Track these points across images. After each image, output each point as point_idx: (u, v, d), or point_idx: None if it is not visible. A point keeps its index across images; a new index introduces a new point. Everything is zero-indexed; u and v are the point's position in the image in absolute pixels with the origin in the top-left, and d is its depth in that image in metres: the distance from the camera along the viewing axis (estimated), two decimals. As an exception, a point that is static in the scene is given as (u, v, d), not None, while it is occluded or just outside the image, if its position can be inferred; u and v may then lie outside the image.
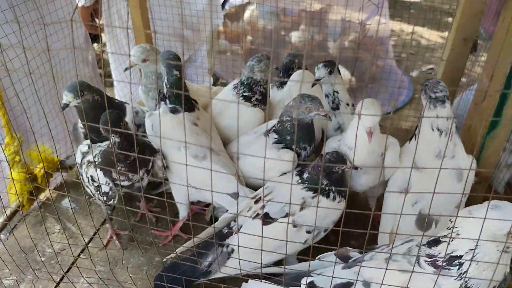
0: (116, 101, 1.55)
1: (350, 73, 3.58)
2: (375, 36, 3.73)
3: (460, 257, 0.94)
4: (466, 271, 0.93)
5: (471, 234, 0.91)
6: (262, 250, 1.03)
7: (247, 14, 3.83)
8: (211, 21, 2.73)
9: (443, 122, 1.34)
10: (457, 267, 0.94)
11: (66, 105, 1.37)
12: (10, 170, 1.49)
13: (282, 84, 1.75)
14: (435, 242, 0.99)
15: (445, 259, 0.95)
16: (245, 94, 1.60)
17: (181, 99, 1.42)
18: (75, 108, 1.42)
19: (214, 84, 3.81)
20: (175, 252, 1.26)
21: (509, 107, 1.34)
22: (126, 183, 1.31)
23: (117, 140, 1.23)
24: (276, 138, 1.44)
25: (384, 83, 3.71)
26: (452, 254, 0.95)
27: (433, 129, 1.35)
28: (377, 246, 1.17)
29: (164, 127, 1.40)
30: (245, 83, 1.60)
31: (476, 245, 0.91)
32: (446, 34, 4.48)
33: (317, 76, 1.57)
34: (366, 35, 3.59)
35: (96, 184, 1.32)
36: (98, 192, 1.32)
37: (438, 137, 1.35)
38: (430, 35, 4.51)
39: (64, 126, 1.74)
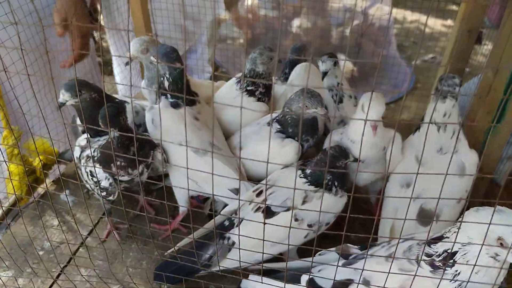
0: (117, 100, 1.53)
1: (352, 63, 3.55)
2: (378, 24, 3.69)
3: (454, 254, 0.93)
4: (459, 273, 0.93)
5: (468, 231, 0.91)
6: (264, 241, 1.02)
7: (248, 1, 3.78)
8: (213, 10, 2.69)
9: (440, 117, 1.33)
10: (451, 267, 0.93)
11: (63, 104, 1.35)
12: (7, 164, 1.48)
13: (286, 79, 1.73)
14: (435, 240, 0.98)
15: (440, 255, 0.95)
16: (248, 88, 1.57)
17: (182, 93, 1.40)
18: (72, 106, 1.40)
19: (215, 72, 3.78)
20: (173, 249, 1.25)
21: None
22: (125, 178, 1.30)
23: (116, 135, 1.21)
24: (279, 128, 1.43)
25: (386, 73, 3.69)
26: (448, 250, 0.94)
27: (431, 123, 1.34)
28: (378, 243, 1.17)
29: (165, 122, 1.38)
30: (248, 76, 1.57)
31: (468, 242, 0.91)
32: (449, 22, 4.45)
33: (325, 69, 1.56)
34: (369, 25, 3.55)
35: (95, 180, 1.30)
36: (97, 188, 1.31)
37: (436, 131, 1.34)
38: (434, 24, 4.46)
39: (64, 118, 1.72)
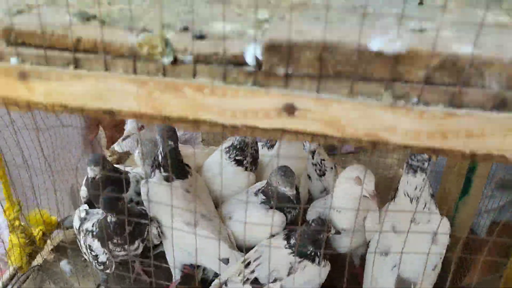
0: (120, 171, 1.62)
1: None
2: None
3: None
4: None
5: None
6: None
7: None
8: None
9: (411, 190, 1.44)
10: None
11: (93, 179, 1.46)
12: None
13: (272, 146, 1.84)
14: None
15: None
16: (237, 158, 1.68)
17: (174, 168, 1.50)
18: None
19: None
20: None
21: (478, 176, 1.44)
22: (122, 253, 1.38)
23: (113, 220, 1.30)
24: (264, 199, 1.53)
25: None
26: None
27: (404, 194, 1.45)
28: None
29: (159, 196, 1.48)
30: (238, 147, 1.68)
31: None
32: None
33: (312, 149, 1.69)
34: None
35: (93, 254, 1.39)
36: (96, 262, 1.39)
37: (409, 203, 1.44)
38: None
39: (64, 185, 1.82)
